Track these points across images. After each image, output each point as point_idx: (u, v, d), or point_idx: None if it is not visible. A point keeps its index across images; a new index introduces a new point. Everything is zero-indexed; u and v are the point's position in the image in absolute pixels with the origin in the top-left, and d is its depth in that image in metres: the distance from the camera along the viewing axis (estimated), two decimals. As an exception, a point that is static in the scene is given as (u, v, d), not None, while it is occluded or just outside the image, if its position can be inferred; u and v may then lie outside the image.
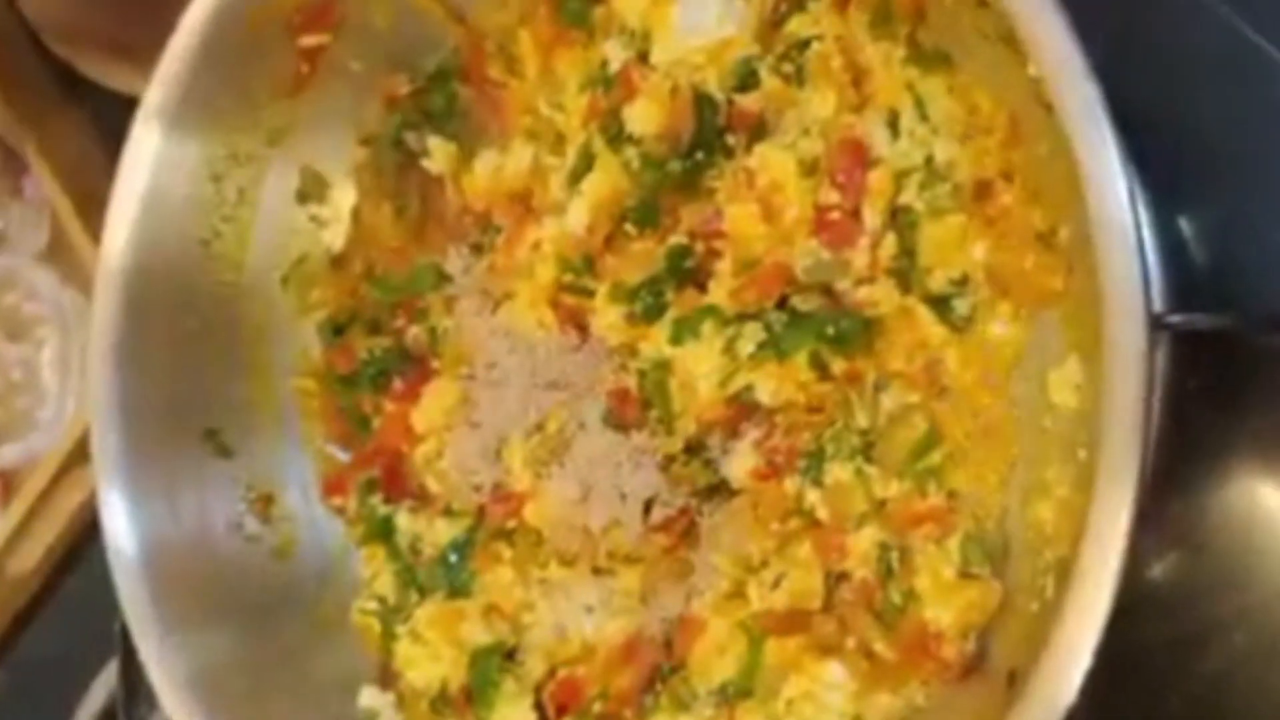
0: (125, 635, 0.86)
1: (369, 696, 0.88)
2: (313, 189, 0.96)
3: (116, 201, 0.88)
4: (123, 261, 0.88)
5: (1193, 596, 0.83)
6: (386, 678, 0.90)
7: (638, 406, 0.81)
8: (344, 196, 0.96)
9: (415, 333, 0.92)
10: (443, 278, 0.91)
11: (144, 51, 0.90)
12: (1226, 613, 0.83)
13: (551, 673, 0.85)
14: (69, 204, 1.07)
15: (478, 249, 0.91)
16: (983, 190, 0.75)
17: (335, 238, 0.97)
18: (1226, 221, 0.87)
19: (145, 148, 0.88)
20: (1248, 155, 0.88)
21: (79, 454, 1.04)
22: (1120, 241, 0.60)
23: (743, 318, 0.78)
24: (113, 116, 0.94)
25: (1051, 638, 0.61)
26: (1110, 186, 0.60)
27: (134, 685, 0.95)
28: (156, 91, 0.87)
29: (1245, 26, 0.87)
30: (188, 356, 0.93)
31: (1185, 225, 0.87)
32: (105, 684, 1.03)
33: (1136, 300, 0.60)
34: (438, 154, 0.91)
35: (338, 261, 0.96)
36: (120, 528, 0.86)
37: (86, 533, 1.06)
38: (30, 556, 1.09)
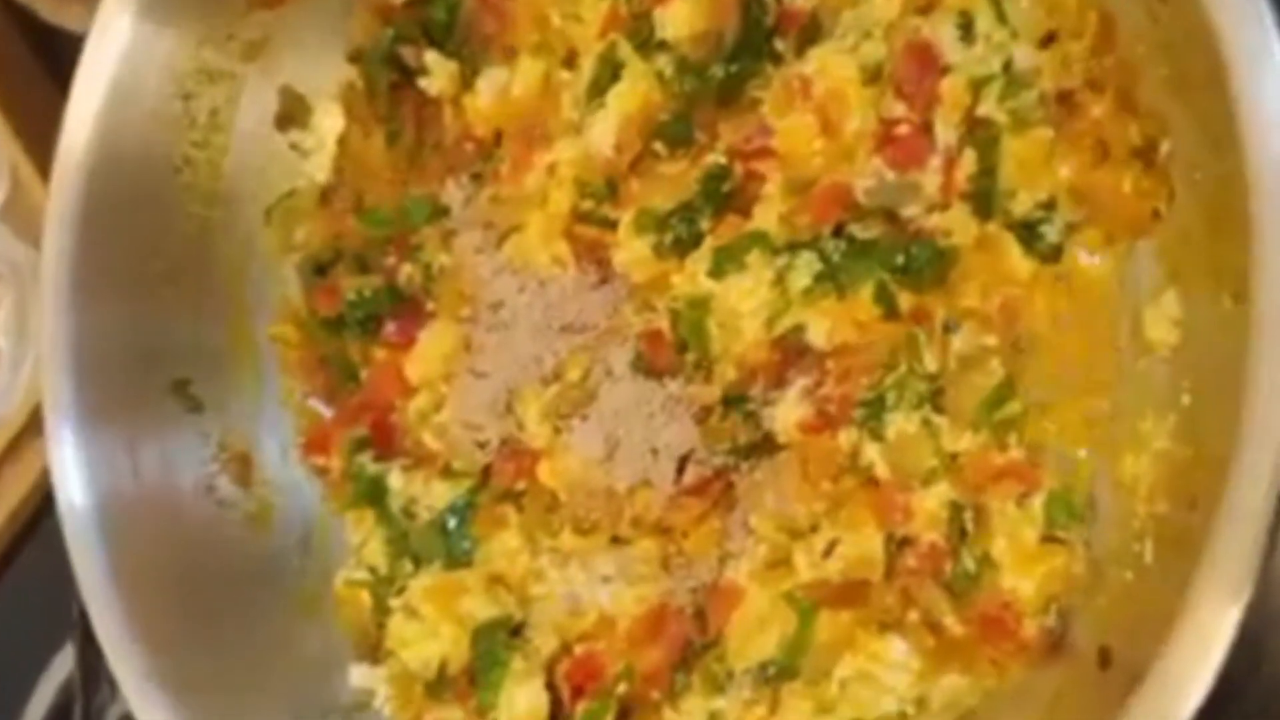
0: (85, 617, 0.77)
1: (360, 676, 0.79)
2: (294, 112, 0.87)
3: (72, 115, 0.77)
4: (78, 190, 0.78)
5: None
6: (377, 659, 0.80)
7: (672, 349, 0.72)
8: (329, 121, 0.86)
9: (408, 270, 0.83)
10: (439, 210, 0.82)
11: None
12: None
13: (566, 650, 0.76)
14: (26, 158, 0.97)
15: (478, 178, 0.82)
16: (1068, 102, 0.66)
17: (319, 168, 0.87)
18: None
19: (105, 57, 0.78)
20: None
21: (35, 423, 0.95)
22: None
23: (795, 246, 0.69)
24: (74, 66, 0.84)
25: (1179, 620, 0.52)
26: (1269, 81, 0.51)
27: (93, 669, 0.87)
28: (118, -8, 0.77)
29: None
30: (154, 297, 0.83)
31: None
32: (63, 667, 0.94)
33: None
34: (436, 72, 0.82)
35: (322, 194, 0.87)
36: (73, 480, 0.76)
37: (45, 506, 0.96)
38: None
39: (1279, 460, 0.52)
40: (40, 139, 0.98)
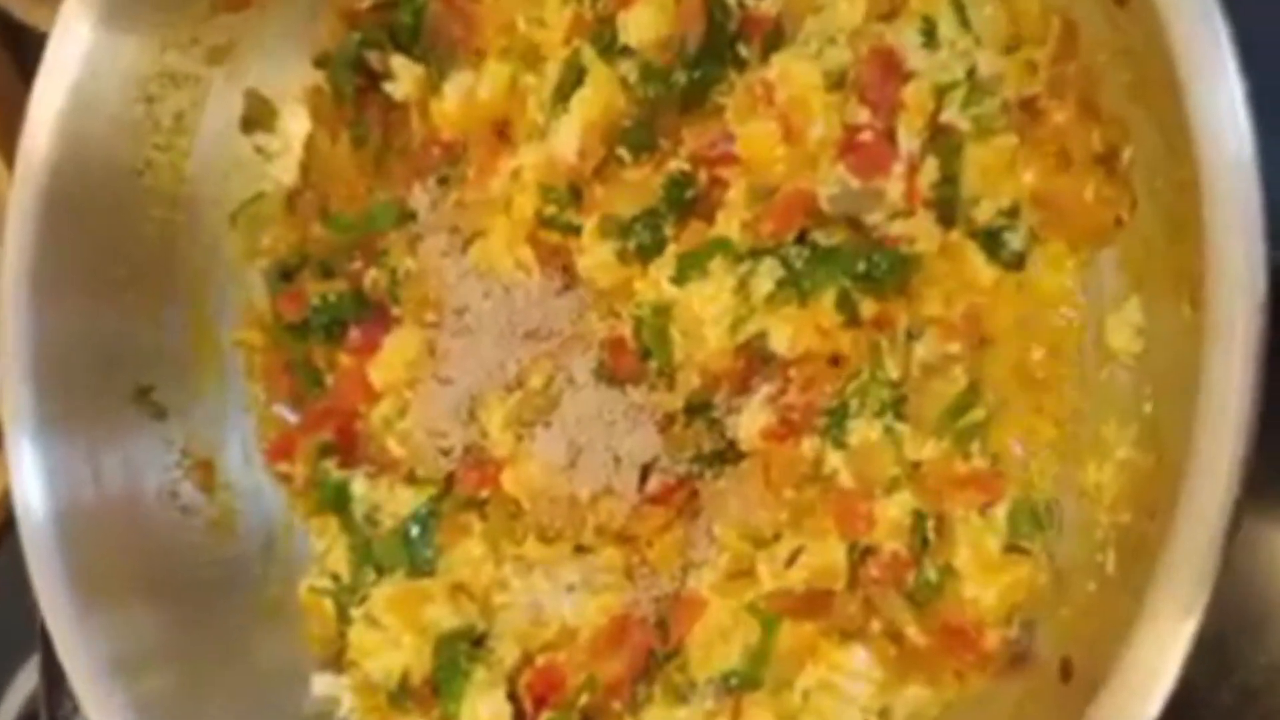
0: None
1: (323, 684, 0.78)
2: (260, 116, 0.86)
3: (33, 116, 0.77)
4: (39, 187, 0.77)
5: (1256, 577, 0.75)
6: (340, 668, 0.79)
7: (634, 357, 0.71)
8: (295, 125, 0.86)
9: (374, 275, 0.82)
10: (406, 215, 0.81)
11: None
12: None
13: (528, 660, 0.75)
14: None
15: (445, 182, 0.81)
16: (1030, 108, 0.65)
17: (285, 171, 0.86)
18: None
19: (67, 57, 0.77)
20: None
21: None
22: (1233, 154, 0.51)
23: (757, 253, 0.68)
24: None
25: (1137, 629, 0.52)
26: (1222, 88, 0.51)
27: (57, 682, 0.84)
28: (77, -7, 0.76)
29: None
30: (115, 303, 0.82)
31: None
32: (29, 680, 0.93)
33: (1255, 225, 0.51)
34: (403, 76, 0.81)
35: (288, 198, 0.86)
36: (30, 486, 0.75)
37: (9, 518, 0.95)
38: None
39: (1233, 467, 0.52)
40: (10, 134, 0.98)
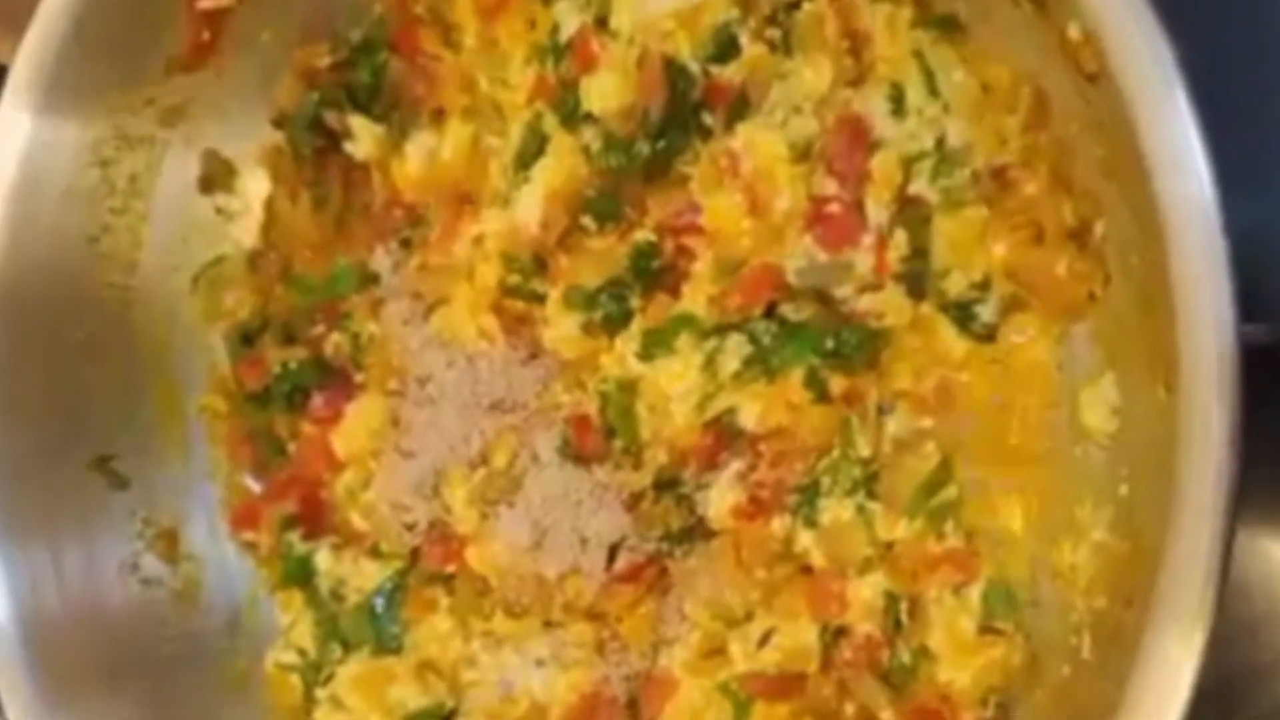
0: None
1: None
2: (218, 176, 0.84)
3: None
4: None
5: (1234, 639, 0.74)
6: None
7: (600, 435, 0.69)
8: (255, 185, 0.84)
9: (336, 340, 0.80)
10: (368, 277, 0.80)
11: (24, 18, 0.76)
12: (1264, 661, 0.74)
13: (498, 739, 0.73)
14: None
15: (408, 245, 0.79)
16: (1001, 179, 0.64)
17: (245, 233, 0.84)
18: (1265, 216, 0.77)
19: (15, 131, 0.75)
20: None
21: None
22: (1200, 233, 0.49)
23: (724, 329, 0.67)
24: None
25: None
26: (1187, 163, 0.49)
27: None
28: (24, 64, 0.74)
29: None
30: (72, 372, 0.80)
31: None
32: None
33: (1224, 304, 0.49)
34: (363, 136, 0.79)
35: (250, 260, 0.84)
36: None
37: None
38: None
39: (1211, 565, 0.50)
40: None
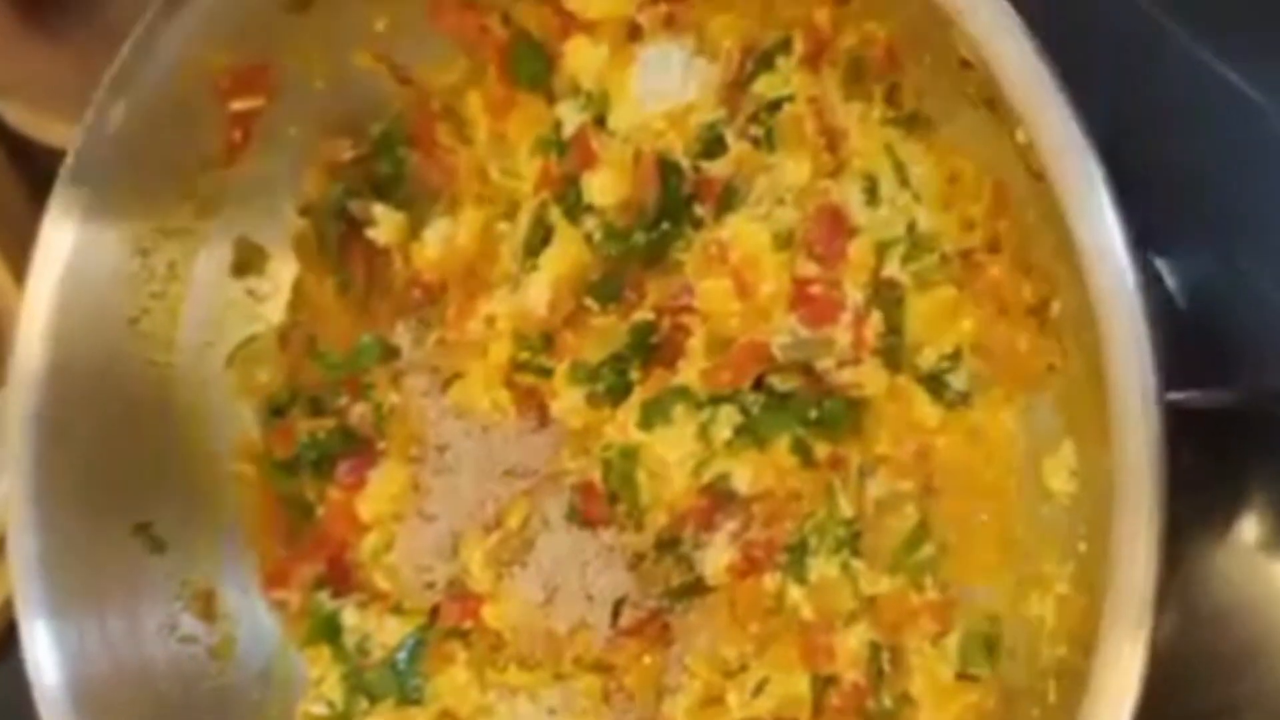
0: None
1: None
2: (250, 261, 0.90)
3: (33, 285, 0.81)
4: (41, 350, 0.81)
5: (1198, 679, 0.79)
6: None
7: (604, 500, 0.75)
8: (284, 268, 0.90)
9: (360, 411, 0.86)
10: (390, 351, 0.85)
11: (76, 103, 0.83)
12: (1238, 694, 0.79)
13: (513, 788, 0.79)
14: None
15: (426, 322, 0.85)
16: (968, 262, 0.70)
17: (275, 312, 0.90)
18: (1215, 275, 0.83)
19: (64, 226, 0.81)
20: (1234, 204, 0.83)
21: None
22: (1126, 324, 0.55)
23: (716, 400, 0.73)
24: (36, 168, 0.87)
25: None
26: (1112, 262, 0.55)
27: None
28: (74, 164, 0.80)
29: (1225, 69, 0.83)
30: (114, 445, 0.86)
31: (1170, 280, 0.83)
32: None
33: (1148, 383, 0.55)
34: (384, 223, 0.85)
35: (279, 336, 0.90)
36: (43, 655, 0.79)
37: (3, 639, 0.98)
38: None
39: (1140, 621, 0.55)
40: (10, 247, 1.01)
